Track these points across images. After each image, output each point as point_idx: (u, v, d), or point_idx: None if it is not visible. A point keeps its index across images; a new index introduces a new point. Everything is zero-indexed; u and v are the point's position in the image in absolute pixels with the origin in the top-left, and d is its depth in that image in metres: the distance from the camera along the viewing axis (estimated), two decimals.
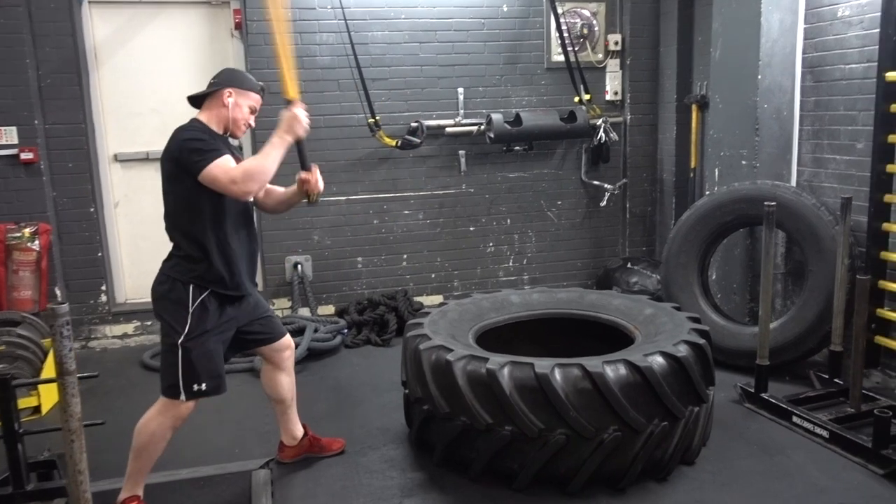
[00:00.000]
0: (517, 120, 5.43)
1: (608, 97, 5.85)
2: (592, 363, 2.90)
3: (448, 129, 5.53)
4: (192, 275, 2.73)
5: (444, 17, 5.45)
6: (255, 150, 2.94)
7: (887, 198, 3.84)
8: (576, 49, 5.59)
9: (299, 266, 5.42)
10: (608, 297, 3.95)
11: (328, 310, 5.54)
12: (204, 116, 2.82)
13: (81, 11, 4.98)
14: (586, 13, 5.73)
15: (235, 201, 2.76)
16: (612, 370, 2.89)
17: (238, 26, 5.20)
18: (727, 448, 3.38)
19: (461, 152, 5.61)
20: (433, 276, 5.74)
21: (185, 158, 2.64)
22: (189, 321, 2.70)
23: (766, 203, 3.65)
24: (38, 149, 4.81)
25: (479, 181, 5.72)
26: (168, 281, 2.76)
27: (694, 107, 5.46)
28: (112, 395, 4.26)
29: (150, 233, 5.33)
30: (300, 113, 2.79)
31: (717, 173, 4.79)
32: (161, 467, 3.01)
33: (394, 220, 5.61)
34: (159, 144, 5.15)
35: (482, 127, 5.52)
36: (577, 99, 5.65)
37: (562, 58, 5.58)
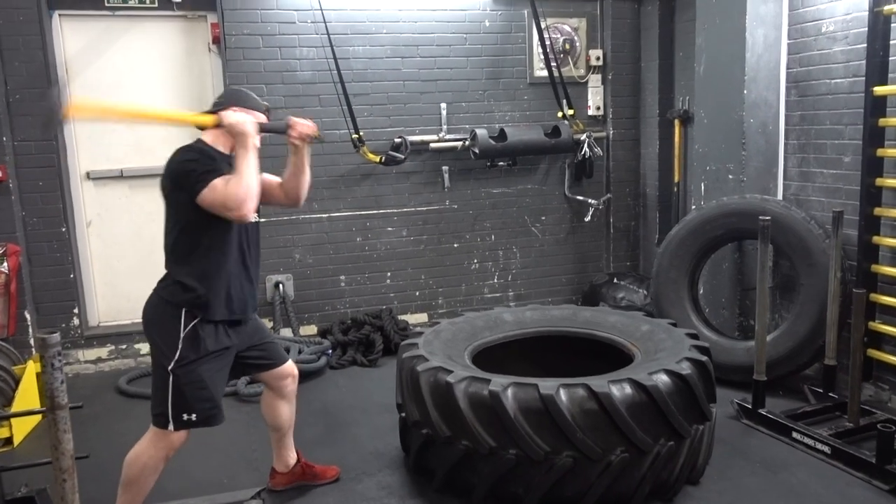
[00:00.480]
0: (502, 135, 5.38)
1: (590, 112, 5.85)
2: (598, 383, 2.83)
3: (432, 145, 5.46)
4: (185, 298, 2.60)
5: (426, 32, 5.39)
6: (264, 169, 2.81)
7: (877, 211, 3.85)
8: (558, 64, 5.57)
9: (280, 285, 5.28)
10: (603, 313, 3.90)
11: (310, 330, 5.40)
12: (209, 136, 2.70)
13: (52, 24, 4.81)
14: (567, 28, 5.73)
15: (238, 223, 2.64)
16: (619, 390, 2.82)
17: (216, 40, 5.07)
18: (730, 466, 3.33)
19: (444, 168, 5.54)
20: (417, 293, 5.64)
21: (181, 180, 2.53)
22: (180, 347, 2.57)
23: (760, 217, 3.64)
24: (7, 167, 4.61)
25: (463, 197, 5.65)
26: (161, 303, 2.62)
27: (676, 121, 5.47)
28: (88, 424, 4.03)
29: (124, 253, 5.15)
30: (229, 118, 2.62)
31: (703, 187, 4.78)
32: (146, 502, 2.83)
33: (377, 238, 5.50)
34: (133, 161, 5.11)
35: (466, 142, 5.46)
36: (560, 114, 5.62)
37: (544, 73, 5.56)
